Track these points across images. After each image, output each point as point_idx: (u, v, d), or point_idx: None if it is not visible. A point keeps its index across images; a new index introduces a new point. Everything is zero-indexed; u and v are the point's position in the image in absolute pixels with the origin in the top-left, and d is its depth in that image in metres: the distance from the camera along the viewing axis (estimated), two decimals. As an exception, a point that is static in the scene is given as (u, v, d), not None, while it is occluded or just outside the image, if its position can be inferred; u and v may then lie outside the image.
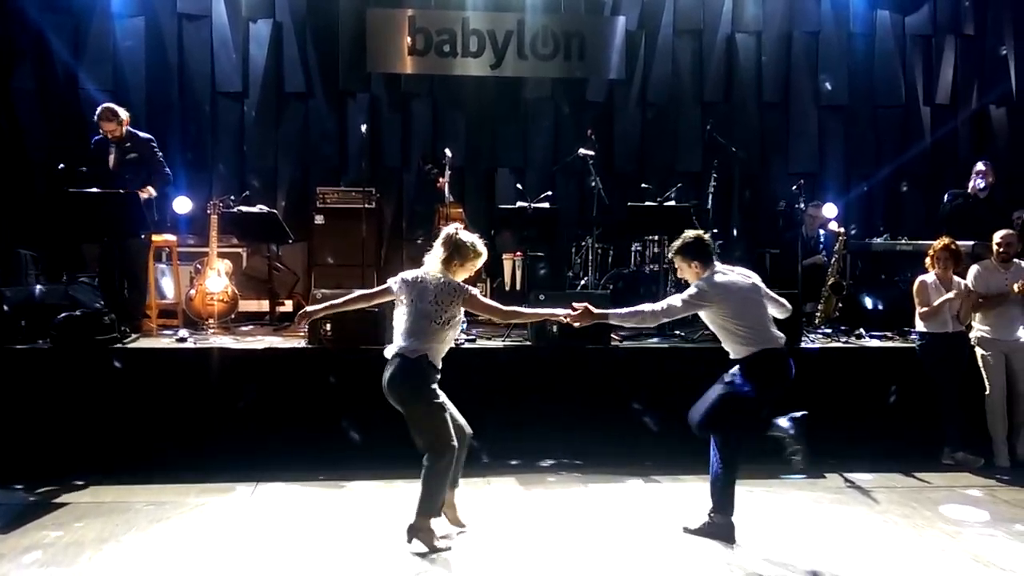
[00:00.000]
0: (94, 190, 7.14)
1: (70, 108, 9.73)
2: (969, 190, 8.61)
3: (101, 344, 6.51)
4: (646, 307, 5.07)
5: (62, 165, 7.39)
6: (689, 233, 5.19)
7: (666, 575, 4.58)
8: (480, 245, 5.00)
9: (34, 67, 9.74)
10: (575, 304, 5.07)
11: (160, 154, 7.74)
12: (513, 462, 6.48)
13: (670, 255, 5.36)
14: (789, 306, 5.31)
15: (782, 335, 5.09)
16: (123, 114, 7.51)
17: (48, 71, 9.76)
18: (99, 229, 7.22)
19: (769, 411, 5.19)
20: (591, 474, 6.32)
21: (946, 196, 8.85)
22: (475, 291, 4.94)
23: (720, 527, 5.01)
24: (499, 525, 5.23)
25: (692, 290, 5.01)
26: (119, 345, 6.64)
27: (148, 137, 7.72)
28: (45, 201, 9.10)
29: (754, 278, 5.19)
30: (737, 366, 4.99)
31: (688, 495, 5.74)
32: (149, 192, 7.57)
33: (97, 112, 7.49)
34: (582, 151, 8.70)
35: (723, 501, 5.01)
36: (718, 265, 5.13)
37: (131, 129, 7.63)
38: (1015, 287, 6.73)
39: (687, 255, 5.13)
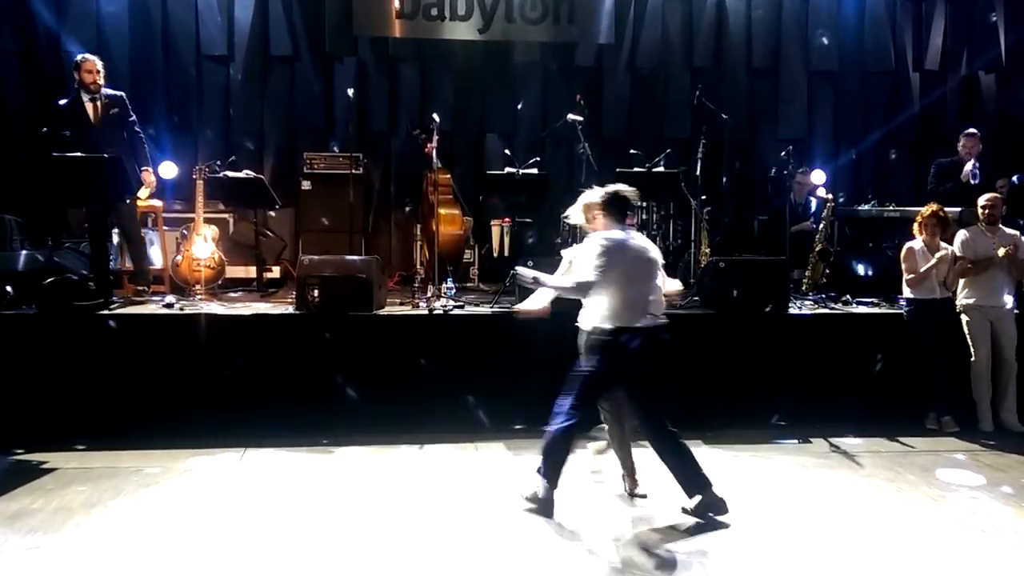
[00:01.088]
0: (78, 154, 7.04)
1: (52, 71, 9.57)
2: (961, 178, 8.51)
3: (87, 310, 6.48)
4: (562, 280, 4.98)
5: (45, 129, 7.30)
6: (612, 187, 4.97)
7: (650, 536, 4.62)
8: (589, 194, 5.04)
9: (15, 29, 9.58)
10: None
11: (133, 115, 7.64)
12: (516, 427, 6.49)
13: (590, 200, 5.00)
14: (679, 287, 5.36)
15: (661, 317, 4.93)
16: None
17: (30, 33, 9.60)
18: (86, 193, 7.13)
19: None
20: (580, 439, 6.34)
21: (932, 168, 8.82)
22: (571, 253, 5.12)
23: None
24: (490, 492, 5.26)
25: (598, 249, 4.75)
26: (106, 311, 6.61)
27: (121, 93, 7.61)
28: (29, 166, 9.02)
29: (653, 251, 5.00)
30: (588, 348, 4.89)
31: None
32: (148, 174, 7.61)
33: (77, 60, 7.35)
34: (571, 116, 8.65)
35: None
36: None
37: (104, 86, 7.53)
38: (1000, 252, 6.76)
39: (606, 208, 4.91)
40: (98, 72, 7.34)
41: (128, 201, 7.44)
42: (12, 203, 8.89)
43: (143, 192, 7.64)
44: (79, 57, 7.40)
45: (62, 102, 7.42)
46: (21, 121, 9.45)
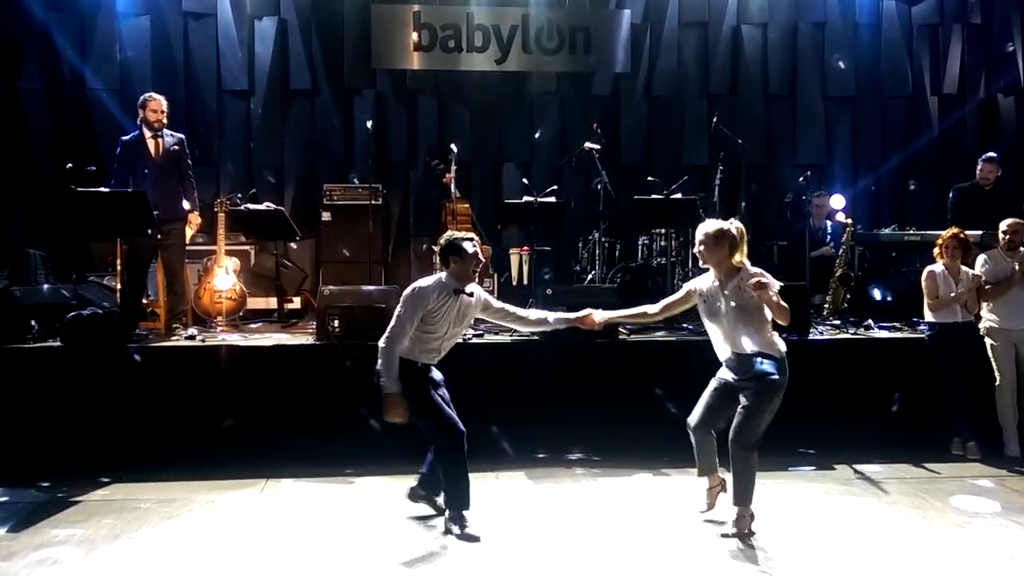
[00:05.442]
0: (102, 189, 7.16)
1: (77, 108, 9.78)
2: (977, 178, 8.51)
3: (111, 343, 6.53)
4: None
5: (70, 165, 7.41)
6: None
7: (676, 566, 4.58)
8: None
9: (41, 67, 9.77)
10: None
11: (189, 159, 7.74)
12: (539, 455, 6.49)
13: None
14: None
15: None
16: None
17: (55, 71, 9.79)
18: (109, 227, 7.20)
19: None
20: (601, 468, 6.32)
21: (952, 193, 8.79)
22: None
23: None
24: (506, 521, 5.24)
25: None
26: (130, 344, 6.66)
27: (181, 136, 7.71)
28: (53, 201, 9.15)
29: None
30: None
31: (699, 488, 5.73)
32: (195, 216, 7.77)
33: (144, 98, 7.43)
34: (588, 145, 8.69)
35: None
36: None
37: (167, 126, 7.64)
38: (1016, 266, 6.71)
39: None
40: (162, 112, 7.44)
41: (159, 237, 7.51)
42: (37, 237, 9.01)
43: (187, 231, 7.76)
44: (145, 96, 7.49)
45: (125, 138, 7.53)
46: (46, 157, 9.60)
